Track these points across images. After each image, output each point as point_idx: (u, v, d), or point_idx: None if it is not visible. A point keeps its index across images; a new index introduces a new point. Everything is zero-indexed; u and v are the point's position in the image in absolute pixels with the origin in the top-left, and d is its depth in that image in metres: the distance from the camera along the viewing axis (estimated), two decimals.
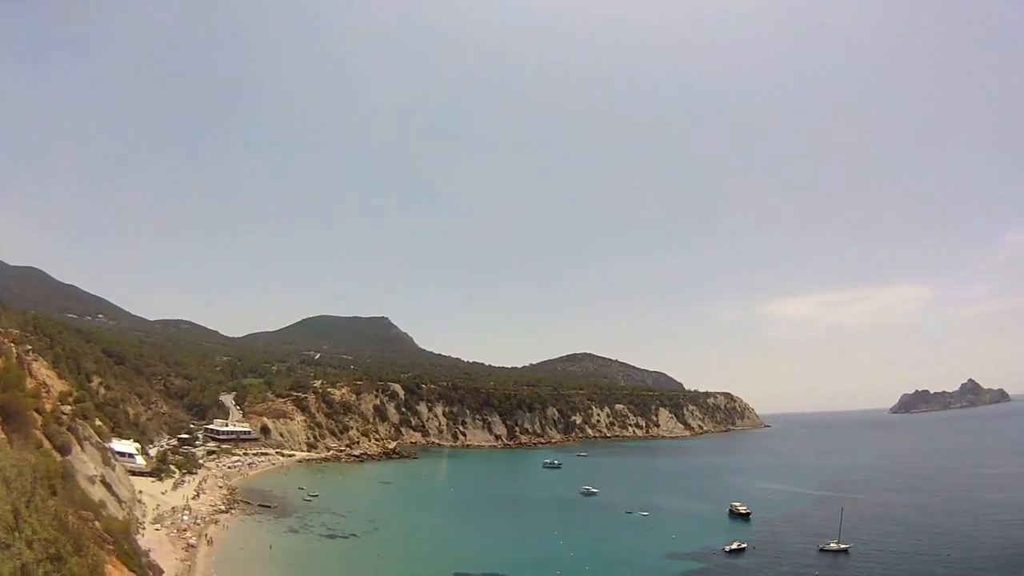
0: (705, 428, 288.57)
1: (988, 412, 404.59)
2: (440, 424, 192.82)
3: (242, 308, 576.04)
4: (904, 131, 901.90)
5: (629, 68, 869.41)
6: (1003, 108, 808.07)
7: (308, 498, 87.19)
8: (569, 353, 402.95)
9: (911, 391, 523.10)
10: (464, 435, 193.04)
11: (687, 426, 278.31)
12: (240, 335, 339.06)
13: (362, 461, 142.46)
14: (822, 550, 61.83)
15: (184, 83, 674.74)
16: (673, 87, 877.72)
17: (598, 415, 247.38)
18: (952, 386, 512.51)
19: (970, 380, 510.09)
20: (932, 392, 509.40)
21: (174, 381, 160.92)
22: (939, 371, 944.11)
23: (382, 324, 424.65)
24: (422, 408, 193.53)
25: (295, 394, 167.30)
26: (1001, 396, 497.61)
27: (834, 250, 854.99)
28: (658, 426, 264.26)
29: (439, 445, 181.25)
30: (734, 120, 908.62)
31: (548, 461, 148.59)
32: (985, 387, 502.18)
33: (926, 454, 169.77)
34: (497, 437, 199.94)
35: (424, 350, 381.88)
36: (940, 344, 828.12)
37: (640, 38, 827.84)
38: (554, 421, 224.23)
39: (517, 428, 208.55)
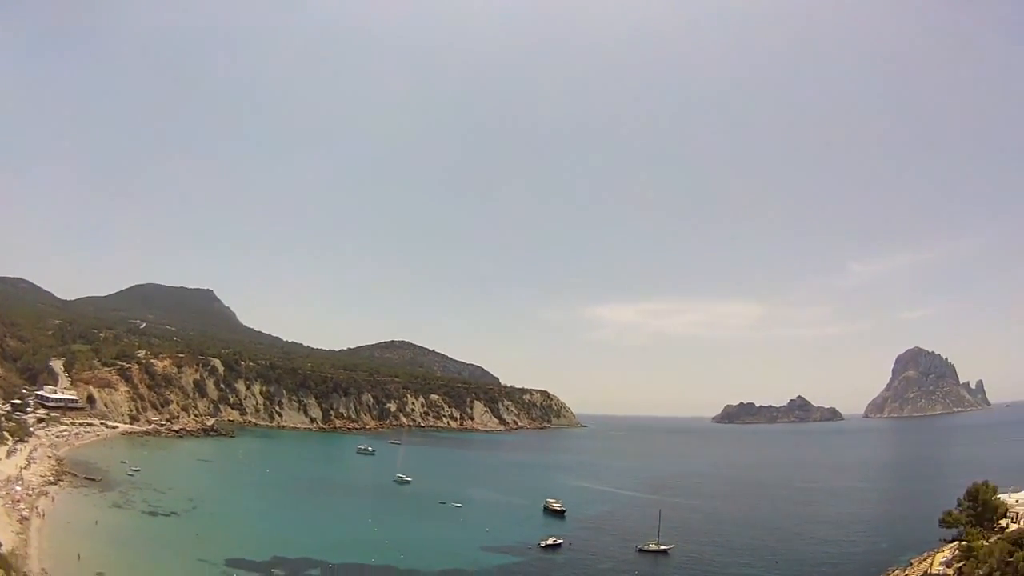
0: (520, 424, 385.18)
1: (817, 428, 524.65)
2: (257, 403, 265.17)
3: (75, 268, 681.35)
4: (764, 154, 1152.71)
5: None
6: (856, 141, 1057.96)
7: (131, 473, 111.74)
8: (387, 340, 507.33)
9: (736, 403, 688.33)
10: (280, 415, 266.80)
11: (502, 421, 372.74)
12: (72, 298, 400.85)
13: (181, 437, 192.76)
14: (641, 550, 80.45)
15: None
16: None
17: (413, 404, 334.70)
18: (779, 401, 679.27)
19: (799, 396, 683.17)
20: (758, 405, 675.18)
21: (9, 343, 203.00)
22: (768, 386, 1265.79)
23: (207, 297, 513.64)
24: (240, 386, 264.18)
25: (120, 363, 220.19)
26: (833, 414, 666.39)
27: (661, 260, 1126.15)
28: (473, 419, 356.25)
29: (255, 424, 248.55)
30: (579, 121, 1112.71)
31: (362, 447, 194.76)
32: (816, 404, 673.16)
33: (750, 464, 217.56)
34: (312, 420, 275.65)
35: (246, 326, 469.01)
36: (768, 360, 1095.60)
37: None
38: (369, 407, 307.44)
39: (332, 412, 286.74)
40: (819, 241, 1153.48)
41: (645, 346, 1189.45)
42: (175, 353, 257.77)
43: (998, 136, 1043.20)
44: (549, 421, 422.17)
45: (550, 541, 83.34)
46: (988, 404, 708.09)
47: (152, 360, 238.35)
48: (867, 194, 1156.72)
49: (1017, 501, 65.27)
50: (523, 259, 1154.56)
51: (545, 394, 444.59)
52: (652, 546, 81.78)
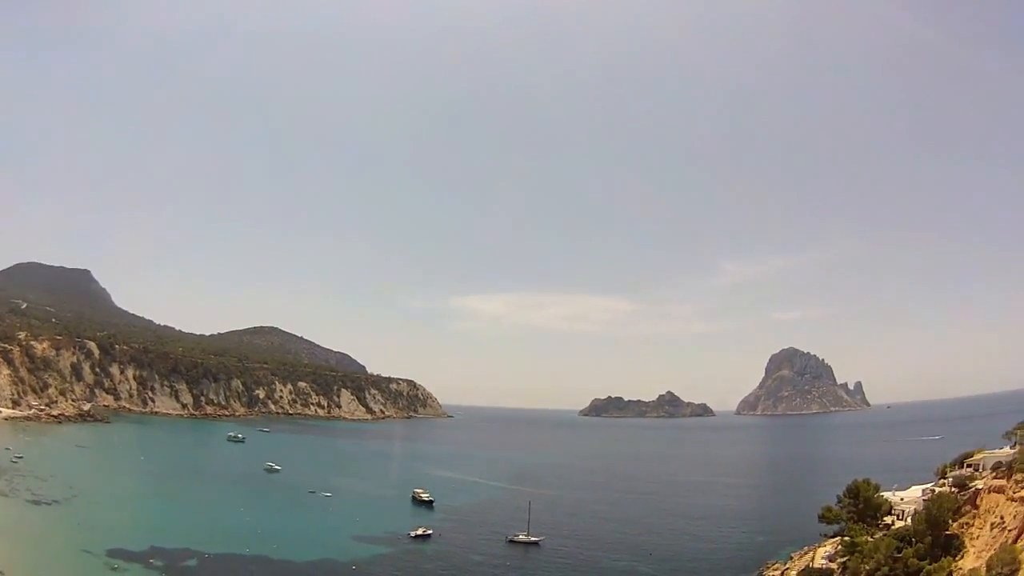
0: (387, 413, 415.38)
1: (689, 424, 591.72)
2: (131, 388, 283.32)
3: None
4: (640, 154, 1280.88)
5: None
6: (733, 147, 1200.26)
7: (14, 460, 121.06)
8: (256, 325, 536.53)
9: (604, 396, 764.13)
10: (153, 401, 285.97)
11: (369, 410, 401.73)
12: None
13: (60, 422, 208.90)
14: (511, 541, 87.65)
15: None
16: None
17: (281, 391, 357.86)
18: (648, 396, 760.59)
19: (669, 392, 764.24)
20: (627, 400, 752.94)
21: None
22: (638, 381, 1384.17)
23: (84, 278, 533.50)
24: (115, 370, 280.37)
25: (3, 345, 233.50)
26: (704, 410, 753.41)
27: (531, 253, 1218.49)
28: (340, 407, 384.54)
29: (129, 410, 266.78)
30: (460, 108, 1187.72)
31: (232, 435, 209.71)
32: (686, 400, 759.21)
33: (618, 458, 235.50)
34: (184, 406, 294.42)
35: (120, 308, 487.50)
36: (638, 356, 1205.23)
37: None
38: (238, 393, 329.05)
39: (203, 398, 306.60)
40: (693, 241, 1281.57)
41: (513, 338, 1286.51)
42: (53, 335, 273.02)
43: (867, 150, 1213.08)
44: (415, 411, 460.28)
45: (420, 532, 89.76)
46: (868, 405, 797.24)
47: (32, 342, 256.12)
48: (742, 197, 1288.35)
49: (902, 499, 73.34)
50: (393, 247, 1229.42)
51: (412, 383, 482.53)
52: (522, 537, 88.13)
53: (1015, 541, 37.60)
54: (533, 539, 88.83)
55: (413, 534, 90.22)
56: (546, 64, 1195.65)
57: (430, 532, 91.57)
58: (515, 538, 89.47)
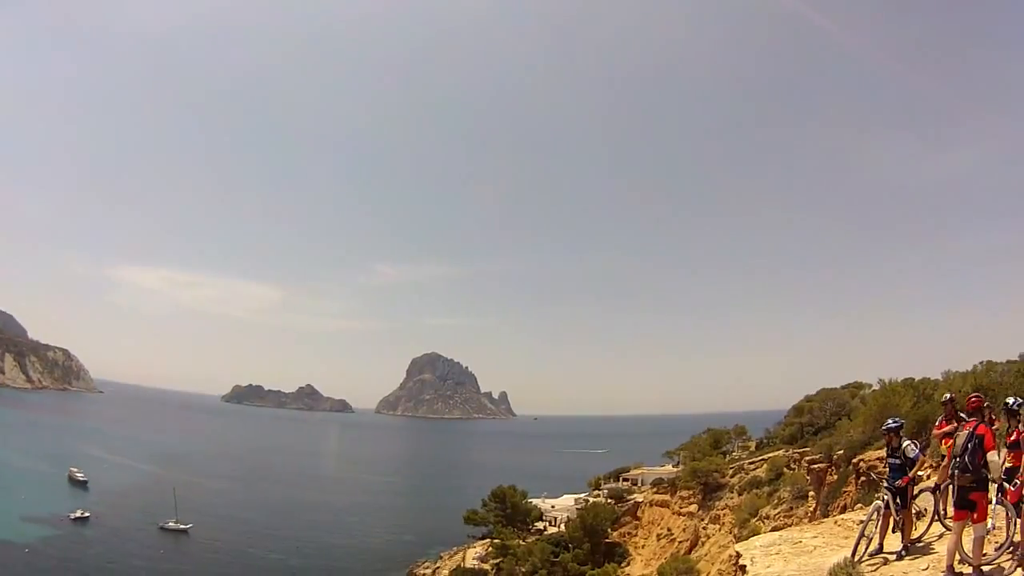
0: (44, 383, 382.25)
1: (329, 418, 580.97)
2: None
3: None
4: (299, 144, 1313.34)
5: None
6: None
7: None
8: None
9: (245, 384, 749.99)
10: None
11: (29, 378, 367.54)
12: None
13: None
14: (163, 528, 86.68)
15: None
16: None
17: None
18: (289, 387, 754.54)
19: (308, 385, 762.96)
20: (267, 389, 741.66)
21: None
22: (278, 370, 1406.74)
23: None
24: None
25: None
26: (343, 406, 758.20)
27: (188, 227, 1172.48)
28: (4, 373, 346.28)
29: None
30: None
31: None
32: (326, 395, 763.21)
33: (265, 448, 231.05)
34: None
35: None
36: (281, 345, 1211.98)
37: None
38: None
39: None
40: (349, 238, 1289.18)
41: (164, 315, 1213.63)
42: None
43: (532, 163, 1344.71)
44: (70, 383, 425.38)
45: (78, 514, 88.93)
46: (513, 415, 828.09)
47: None
48: (403, 199, 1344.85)
49: (552, 506, 78.48)
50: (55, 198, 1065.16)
51: (67, 353, 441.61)
52: (172, 524, 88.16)
53: (689, 552, 41.89)
54: (183, 527, 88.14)
55: (73, 516, 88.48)
56: None
57: (87, 515, 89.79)
58: (166, 525, 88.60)
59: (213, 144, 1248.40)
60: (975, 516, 8.93)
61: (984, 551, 9.19)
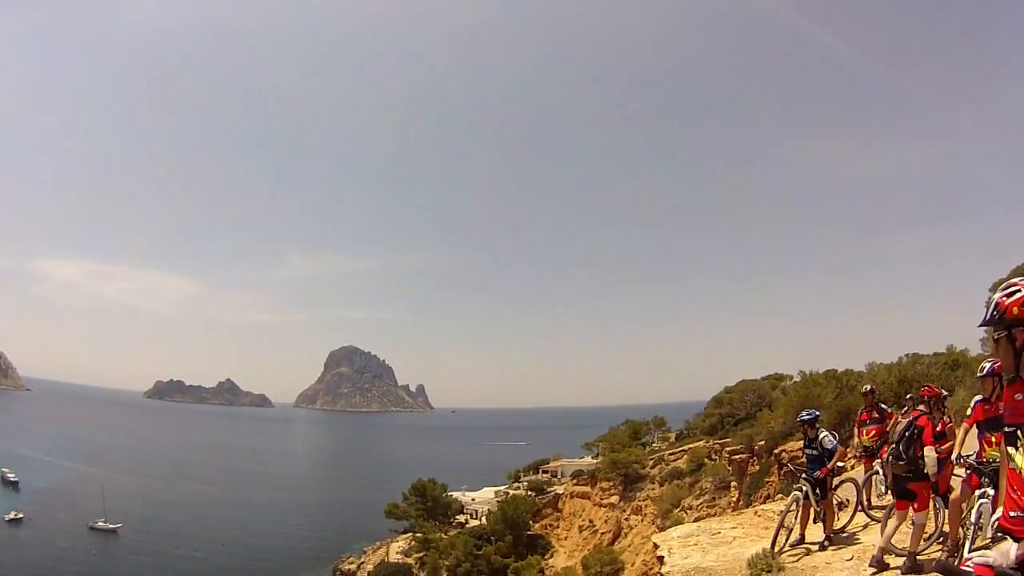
0: None
1: (249, 413, 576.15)
2: None
3: None
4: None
5: None
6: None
7: None
8: None
9: (167, 379, 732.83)
10: None
11: None
12: None
13: None
14: (92, 528, 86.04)
15: None
16: None
17: None
18: (209, 382, 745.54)
19: (228, 380, 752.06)
20: (188, 384, 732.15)
21: None
22: (198, 365, 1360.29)
23: None
24: None
25: None
26: (263, 401, 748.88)
27: (108, 217, 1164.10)
28: None
29: None
30: None
31: None
32: (245, 389, 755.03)
33: (187, 445, 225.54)
34: None
35: None
36: (200, 339, 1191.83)
37: None
38: None
39: None
40: (265, 229, 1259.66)
41: (87, 309, 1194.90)
42: None
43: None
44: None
45: (12, 516, 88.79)
46: (431, 408, 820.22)
47: None
48: (317, 192, 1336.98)
49: (473, 499, 78.39)
50: None
51: None
52: (101, 524, 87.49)
53: (612, 543, 41.88)
54: (112, 526, 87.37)
55: (7, 518, 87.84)
56: None
57: (21, 516, 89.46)
58: (95, 525, 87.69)
59: (131, 134, 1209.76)
60: (915, 506, 8.94)
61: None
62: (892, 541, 9.38)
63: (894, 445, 9.23)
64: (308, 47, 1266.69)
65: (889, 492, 10.96)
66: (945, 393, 12.53)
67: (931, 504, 9.31)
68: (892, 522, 9.26)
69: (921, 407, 9.67)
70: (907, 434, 9.06)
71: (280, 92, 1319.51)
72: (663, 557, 12.80)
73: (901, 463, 9.02)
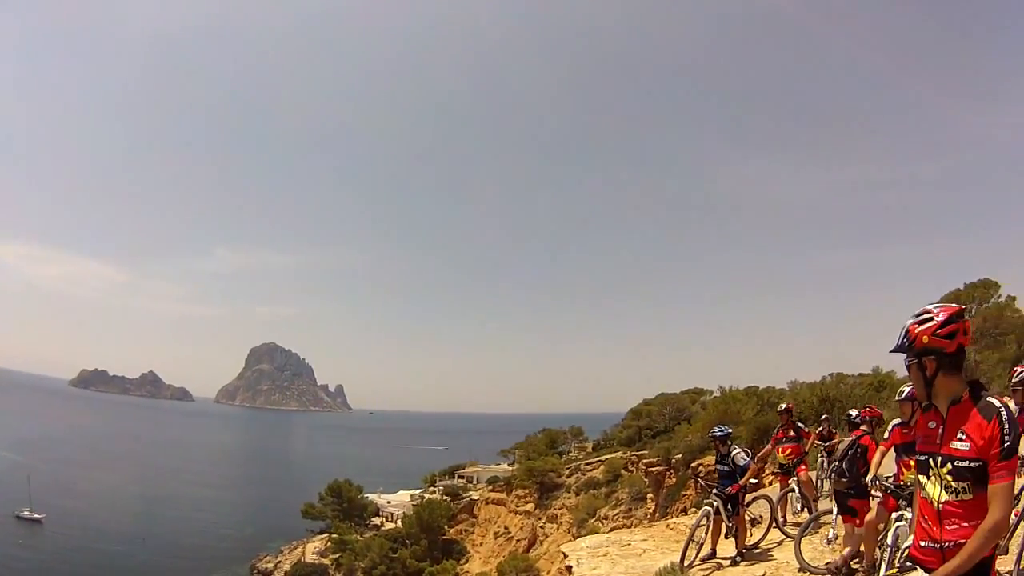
0: None
1: (172, 407, 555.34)
2: None
3: None
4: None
5: None
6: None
7: None
8: None
9: (91, 368, 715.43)
10: None
11: None
12: None
13: None
14: (18, 517, 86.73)
15: None
16: None
17: None
18: (132, 373, 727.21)
19: (151, 372, 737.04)
20: (111, 374, 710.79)
21: None
22: (121, 355, 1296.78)
23: None
24: None
25: None
26: (184, 394, 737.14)
27: (47, 200, 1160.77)
28: None
29: None
30: None
31: None
32: (167, 382, 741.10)
33: (111, 436, 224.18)
34: None
35: None
36: (125, 329, 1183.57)
37: None
38: None
39: None
40: (192, 220, 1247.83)
41: (16, 293, 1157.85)
42: None
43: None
44: None
45: None
46: (349, 408, 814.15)
47: None
48: (243, 189, 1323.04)
49: (388, 502, 78.83)
50: None
51: None
52: (27, 513, 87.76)
53: (527, 551, 41.34)
54: (37, 516, 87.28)
55: None
56: None
57: None
58: (21, 514, 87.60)
59: (73, 120, 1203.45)
60: (857, 522, 9.08)
61: (828, 560, 9.45)
62: (808, 559, 9.46)
63: (837, 463, 9.43)
64: (245, 44, 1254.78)
65: (804, 510, 11.47)
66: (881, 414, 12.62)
67: (834, 524, 9.80)
68: (846, 537, 9.38)
69: (863, 427, 9.92)
70: (850, 452, 9.27)
71: (217, 87, 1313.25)
72: (571, 567, 12.45)
73: (843, 480, 9.21)
